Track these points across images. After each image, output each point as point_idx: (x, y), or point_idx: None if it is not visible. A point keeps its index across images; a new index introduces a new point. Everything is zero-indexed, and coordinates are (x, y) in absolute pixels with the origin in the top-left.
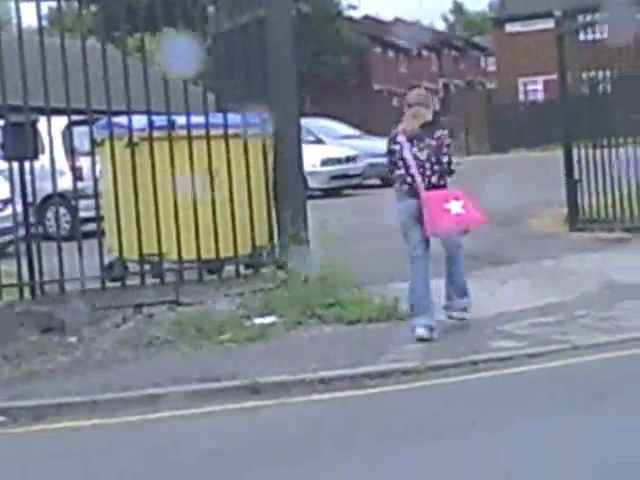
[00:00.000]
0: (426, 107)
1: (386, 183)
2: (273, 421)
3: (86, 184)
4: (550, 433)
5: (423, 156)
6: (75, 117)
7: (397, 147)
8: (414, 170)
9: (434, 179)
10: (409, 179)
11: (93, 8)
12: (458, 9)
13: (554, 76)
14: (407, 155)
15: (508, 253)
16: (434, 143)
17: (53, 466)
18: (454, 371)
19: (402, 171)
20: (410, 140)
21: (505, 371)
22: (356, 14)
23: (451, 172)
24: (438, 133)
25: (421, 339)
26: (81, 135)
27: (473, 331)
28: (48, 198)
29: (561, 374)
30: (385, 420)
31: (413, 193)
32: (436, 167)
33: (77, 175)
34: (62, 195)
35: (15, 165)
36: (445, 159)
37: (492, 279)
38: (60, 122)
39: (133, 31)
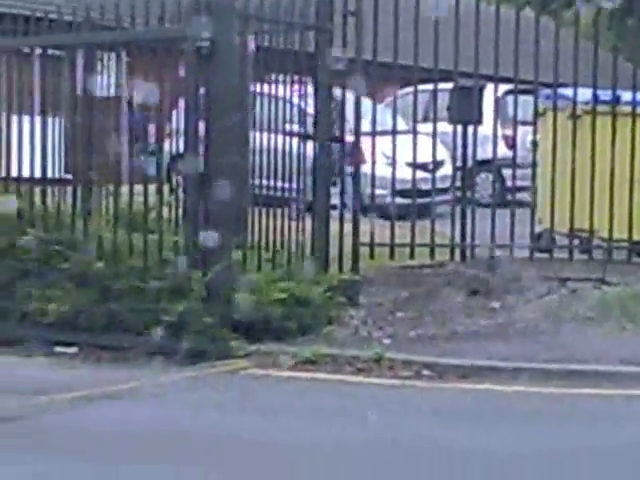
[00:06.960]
0: None
1: None
2: None
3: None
4: None
5: None
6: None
7: None
8: None
9: None
10: None
11: None
12: None
13: None
14: None
15: None
16: None
17: (484, 426)
18: None
19: None
20: None
21: None
22: None
23: None
24: None
25: None
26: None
27: None
28: (479, 164)
29: None
30: None
31: None
32: None
33: (509, 144)
34: (489, 162)
35: (458, 129)
36: None
37: None
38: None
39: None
